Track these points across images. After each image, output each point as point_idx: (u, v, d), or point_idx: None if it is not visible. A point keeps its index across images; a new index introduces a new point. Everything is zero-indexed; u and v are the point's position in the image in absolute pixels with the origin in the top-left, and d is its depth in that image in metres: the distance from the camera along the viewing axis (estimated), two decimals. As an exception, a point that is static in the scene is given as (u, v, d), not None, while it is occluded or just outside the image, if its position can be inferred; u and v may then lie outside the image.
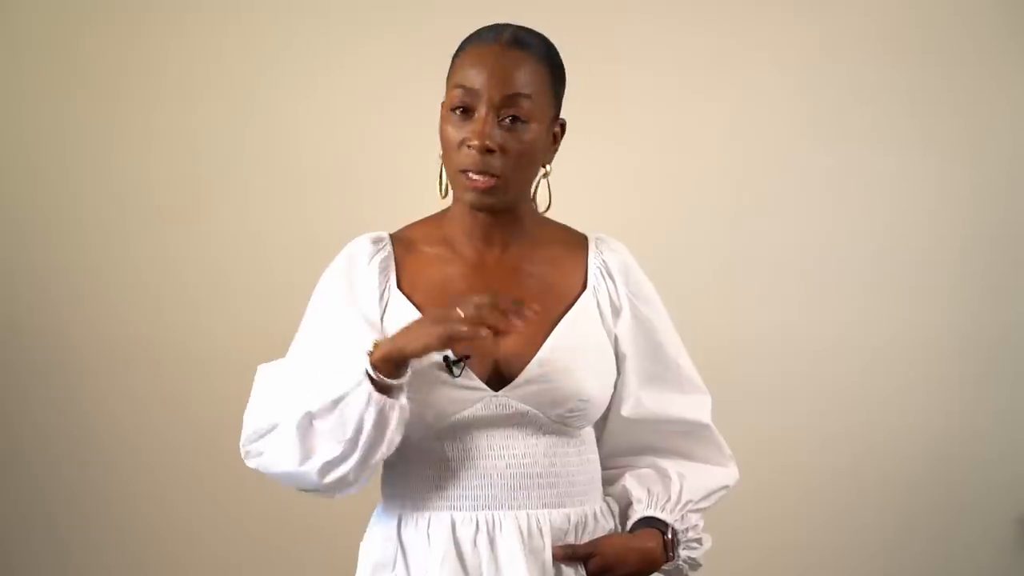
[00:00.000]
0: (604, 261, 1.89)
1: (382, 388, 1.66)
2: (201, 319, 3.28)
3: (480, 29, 1.82)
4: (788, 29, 3.43)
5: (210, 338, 3.28)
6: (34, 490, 3.28)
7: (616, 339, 1.86)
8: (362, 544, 1.84)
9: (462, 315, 1.62)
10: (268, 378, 1.82)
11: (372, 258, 1.83)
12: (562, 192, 3.56)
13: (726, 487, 1.95)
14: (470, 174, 1.75)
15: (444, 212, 1.88)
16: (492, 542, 1.74)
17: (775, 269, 3.44)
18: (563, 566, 1.76)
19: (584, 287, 1.86)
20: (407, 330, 1.67)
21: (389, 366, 1.66)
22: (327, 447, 1.70)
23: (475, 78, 1.75)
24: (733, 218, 3.44)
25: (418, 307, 1.78)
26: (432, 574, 1.73)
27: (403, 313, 1.78)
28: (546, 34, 1.86)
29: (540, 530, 1.75)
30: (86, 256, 3.29)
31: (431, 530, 1.75)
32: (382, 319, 1.79)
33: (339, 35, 3.35)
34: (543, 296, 1.82)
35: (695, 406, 1.92)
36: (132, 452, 3.27)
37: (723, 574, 3.40)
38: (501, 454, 1.76)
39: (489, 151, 1.74)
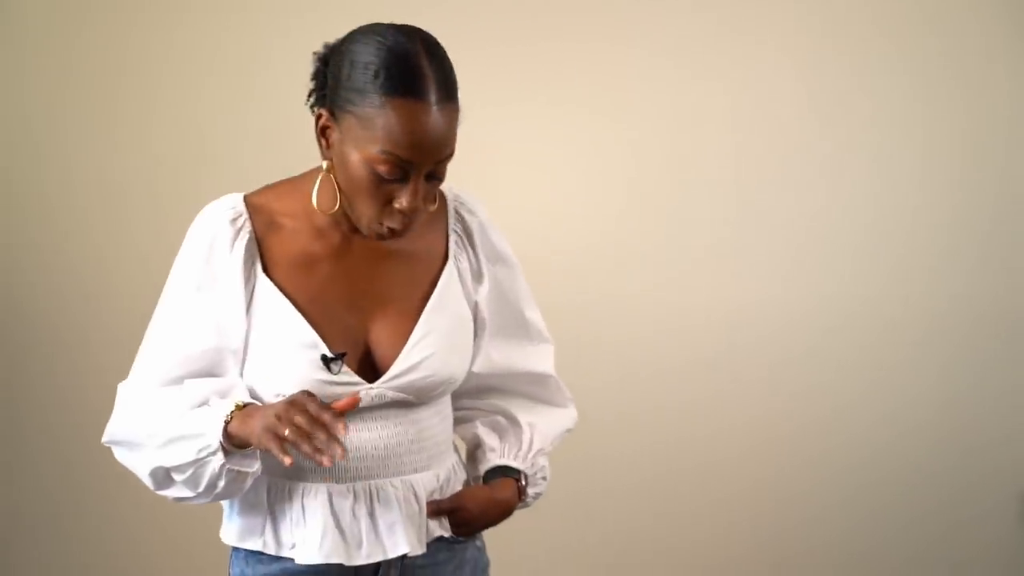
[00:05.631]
0: (463, 227, 1.88)
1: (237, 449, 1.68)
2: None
3: (403, 75, 1.67)
4: (788, 9, 3.43)
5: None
6: (36, 490, 3.29)
7: (477, 306, 1.89)
8: (225, 520, 1.83)
9: (285, 431, 1.58)
10: (128, 397, 1.80)
11: (235, 243, 1.77)
12: (563, 169, 3.56)
13: (568, 429, 2.01)
14: (391, 228, 1.71)
15: (304, 179, 1.81)
16: (372, 512, 1.77)
17: (775, 249, 3.45)
18: (429, 521, 1.81)
19: (446, 257, 1.86)
20: (252, 419, 1.65)
21: (240, 440, 1.66)
22: (181, 490, 1.75)
23: (408, 150, 1.64)
24: (732, 197, 3.44)
25: (284, 292, 1.75)
26: (313, 548, 1.74)
27: (270, 300, 1.76)
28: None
29: (415, 495, 1.79)
30: (89, 250, 3.30)
31: (306, 501, 1.76)
32: (249, 306, 1.76)
33: (338, 33, 3.34)
34: (409, 278, 1.82)
35: (540, 356, 1.97)
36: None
37: (727, 552, 3.42)
38: (374, 429, 1.77)
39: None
